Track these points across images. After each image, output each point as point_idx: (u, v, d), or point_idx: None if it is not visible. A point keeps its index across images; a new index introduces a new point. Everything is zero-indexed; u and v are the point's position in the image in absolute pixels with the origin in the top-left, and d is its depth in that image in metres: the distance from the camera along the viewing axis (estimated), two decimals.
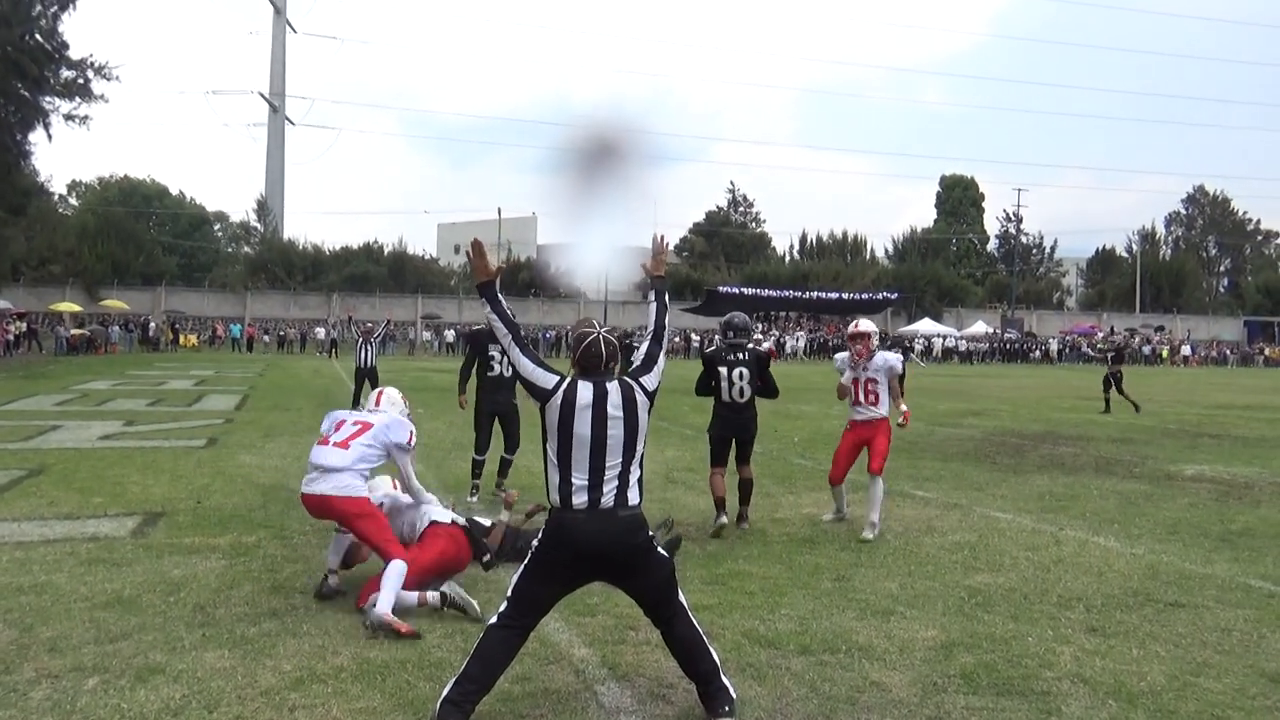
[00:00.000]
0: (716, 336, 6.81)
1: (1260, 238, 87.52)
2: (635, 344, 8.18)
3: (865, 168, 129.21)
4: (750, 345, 7.30)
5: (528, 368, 3.68)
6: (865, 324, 7.36)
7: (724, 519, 6.90)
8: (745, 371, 7.03)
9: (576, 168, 4.19)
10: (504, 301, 3.85)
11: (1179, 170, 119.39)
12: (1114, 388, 18.66)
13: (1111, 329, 59.53)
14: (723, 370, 7.05)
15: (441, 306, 59.84)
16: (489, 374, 8.29)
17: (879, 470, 7.04)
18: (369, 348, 16.90)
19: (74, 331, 40.73)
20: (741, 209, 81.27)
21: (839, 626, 4.75)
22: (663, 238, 4.20)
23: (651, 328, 3.95)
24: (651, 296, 4.02)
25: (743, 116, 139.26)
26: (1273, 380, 28.57)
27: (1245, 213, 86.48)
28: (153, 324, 47.65)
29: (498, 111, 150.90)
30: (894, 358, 7.33)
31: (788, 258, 77.20)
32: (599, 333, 3.76)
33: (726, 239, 76.38)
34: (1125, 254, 79.59)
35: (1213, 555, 6.53)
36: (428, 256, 74.06)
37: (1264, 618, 5.08)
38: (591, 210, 4.16)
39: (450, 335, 52.89)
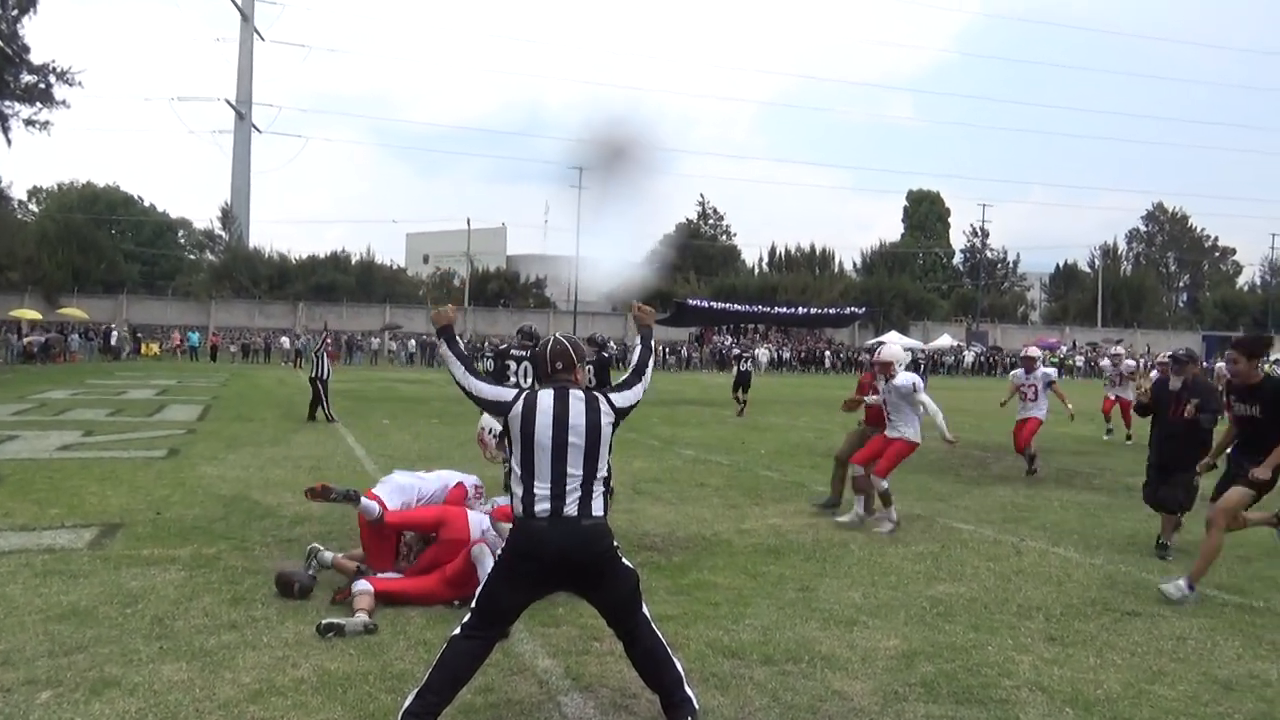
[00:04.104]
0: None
1: (1217, 254, 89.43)
2: (608, 354, 9.31)
3: (834, 181, 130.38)
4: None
5: (483, 389, 3.76)
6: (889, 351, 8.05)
7: None
8: (529, 365, 8.37)
9: (595, 171, 4.31)
10: (459, 340, 3.97)
11: (1139, 188, 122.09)
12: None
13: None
14: (511, 364, 8.51)
15: (410, 316, 59.45)
16: (506, 384, 8.95)
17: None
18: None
19: (27, 339, 39.79)
20: (711, 221, 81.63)
21: (802, 636, 4.78)
22: (641, 305, 4.29)
23: (634, 364, 4.00)
24: (638, 340, 4.11)
25: (713, 129, 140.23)
26: None
27: (1203, 230, 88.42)
28: (115, 332, 46.81)
29: (467, 121, 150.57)
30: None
31: (756, 270, 77.66)
32: (555, 335, 3.88)
33: (696, 251, 76.63)
34: (1087, 269, 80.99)
35: (1169, 565, 6.66)
36: (395, 266, 73.61)
37: (1218, 626, 5.19)
38: (603, 216, 4.29)
39: (412, 345, 52.43)
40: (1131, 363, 16.15)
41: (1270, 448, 5.66)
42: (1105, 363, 18.15)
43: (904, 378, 7.80)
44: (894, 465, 7.76)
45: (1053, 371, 11.99)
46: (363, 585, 5.07)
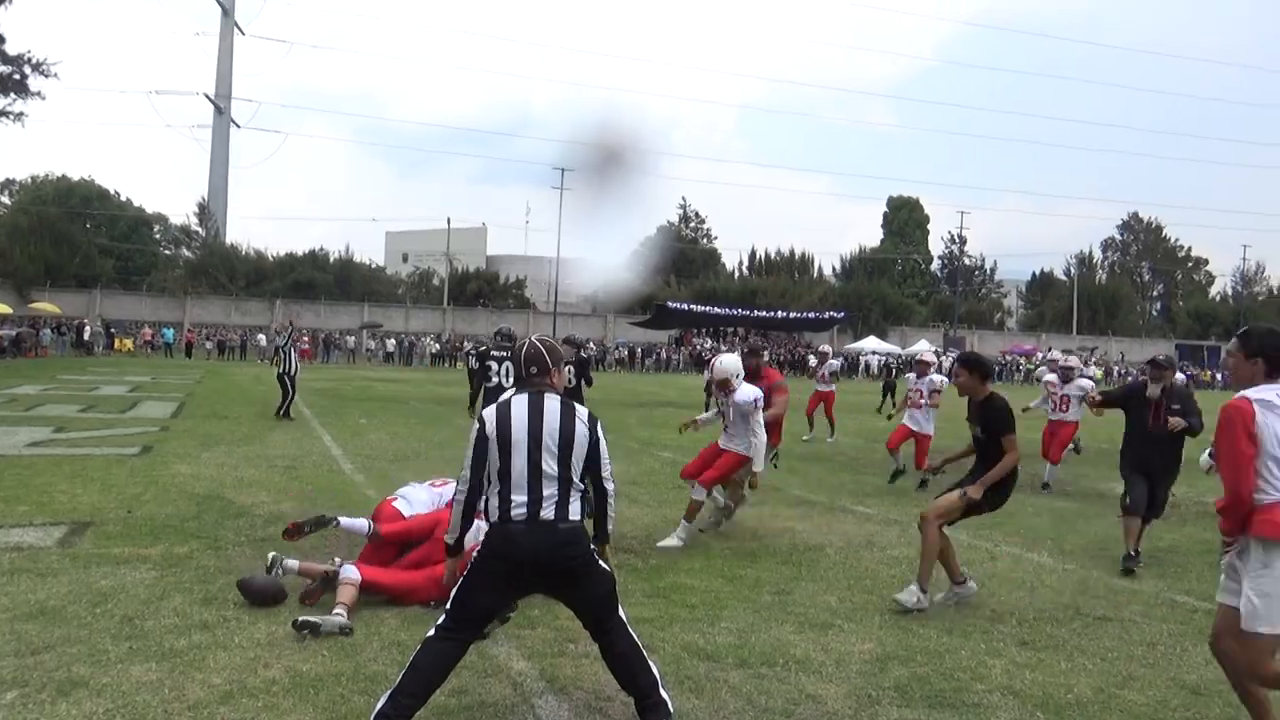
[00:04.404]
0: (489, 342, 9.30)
1: (1191, 264, 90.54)
2: (586, 354, 9.45)
3: (814, 186, 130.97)
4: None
5: (464, 468, 3.66)
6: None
7: None
8: (509, 365, 8.35)
9: (588, 174, 4.32)
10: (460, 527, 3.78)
11: (1115, 197, 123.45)
12: (891, 394, 24.26)
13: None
14: (493, 365, 8.94)
15: (388, 315, 59.16)
16: (488, 384, 8.92)
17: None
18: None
19: None
20: (693, 224, 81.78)
21: (777, 639, 4.79)
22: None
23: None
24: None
25: (696, 132, 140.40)
26: (1204, 402, 29.56)
27: (1177, 240, 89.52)
28: (88, 328, 46.21)
29: (448, 121, 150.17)
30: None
31: (737, 274, 77.87)
32: (530, 338, 3.85)
33: (677, 254, 76.73)
34: (1063, 277, 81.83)
35: (1140, 571, 6.72)
36: (374, 265, 73.22)
37: (1187, 632, 5.25)
38: (594, 219, 4.30)
39: (391, 344, 52.19)
40: (1053, 377, 14.63)
41: (990, 466, 5.54)
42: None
43: (745, 393, 7.18)
44: (722, 477, 7.33)
45: (939, 379, 11.07)
46: (350, 573, 5.00)
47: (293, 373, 16.24)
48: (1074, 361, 12.47)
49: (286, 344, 16.66)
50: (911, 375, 11.20)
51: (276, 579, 5.19)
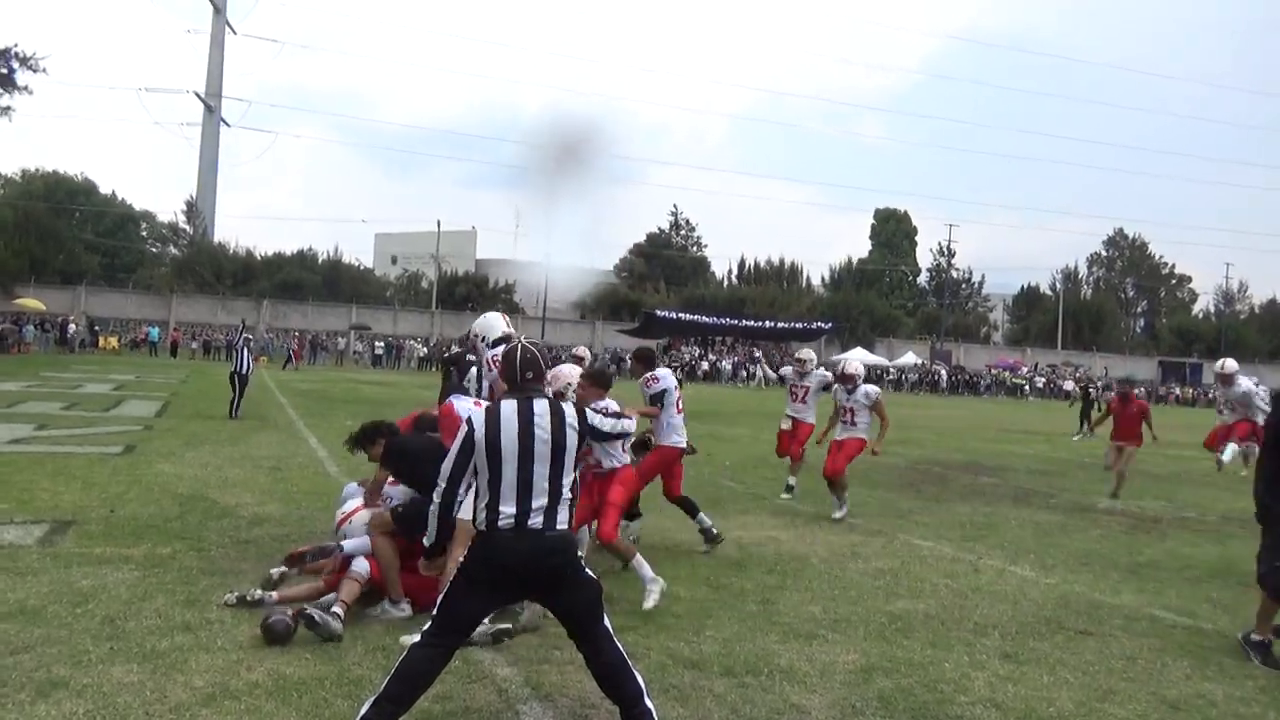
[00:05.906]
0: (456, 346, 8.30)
1: (1174, 281, 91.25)
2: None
3: (803, 197, 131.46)
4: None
5: (445, 467, 3.66)
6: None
7: None
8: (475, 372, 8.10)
9: (546, 169, 4.31)
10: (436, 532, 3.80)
11: (1100, 213, 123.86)
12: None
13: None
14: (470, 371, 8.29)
15: (376, 317, 58.94)
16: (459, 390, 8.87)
17: None
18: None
19: None
20: (683, 232, 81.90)
21: (762, 649, 4.80)
22: None
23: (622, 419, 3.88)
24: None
25: (686, 141, 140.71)
26: (1183, 418, 29.81)
27: (1161, 257, 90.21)
28: (72, 325, 45.80)
29: (439, 124, 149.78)
30: None
31: (726, 282, 78.02)
32: (521, 340, 3.83)
33: (667, 261, 76.84)
34: (1049, 292, 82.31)
35: (1121, 586, 6.77)
36: (363, 266, 72.97)
37: (1167, 647, 5.29)
38: (551, 216, 4.28)
39: (379, 346, 52.00)
40: (825, 374, 10.41)
41: None
42: (787, 370, 11.40)
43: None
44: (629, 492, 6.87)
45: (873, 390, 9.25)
46: (360, 568, 4.96)
47: (244, 371, 16.26)
48: (806, 354, 10.33)
49: (238, 342, 16.71)
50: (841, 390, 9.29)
51: (286, 618, 4.66)
